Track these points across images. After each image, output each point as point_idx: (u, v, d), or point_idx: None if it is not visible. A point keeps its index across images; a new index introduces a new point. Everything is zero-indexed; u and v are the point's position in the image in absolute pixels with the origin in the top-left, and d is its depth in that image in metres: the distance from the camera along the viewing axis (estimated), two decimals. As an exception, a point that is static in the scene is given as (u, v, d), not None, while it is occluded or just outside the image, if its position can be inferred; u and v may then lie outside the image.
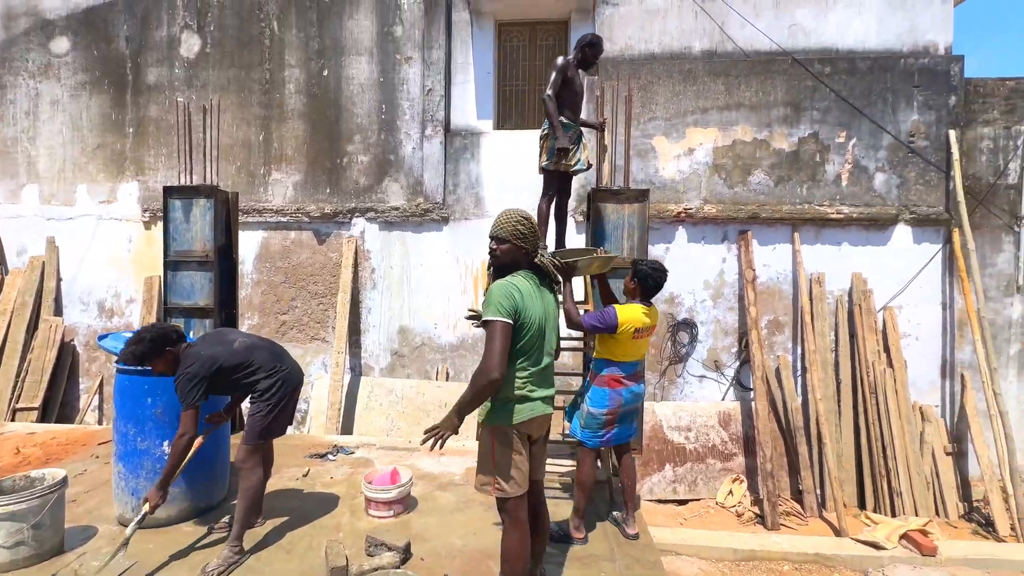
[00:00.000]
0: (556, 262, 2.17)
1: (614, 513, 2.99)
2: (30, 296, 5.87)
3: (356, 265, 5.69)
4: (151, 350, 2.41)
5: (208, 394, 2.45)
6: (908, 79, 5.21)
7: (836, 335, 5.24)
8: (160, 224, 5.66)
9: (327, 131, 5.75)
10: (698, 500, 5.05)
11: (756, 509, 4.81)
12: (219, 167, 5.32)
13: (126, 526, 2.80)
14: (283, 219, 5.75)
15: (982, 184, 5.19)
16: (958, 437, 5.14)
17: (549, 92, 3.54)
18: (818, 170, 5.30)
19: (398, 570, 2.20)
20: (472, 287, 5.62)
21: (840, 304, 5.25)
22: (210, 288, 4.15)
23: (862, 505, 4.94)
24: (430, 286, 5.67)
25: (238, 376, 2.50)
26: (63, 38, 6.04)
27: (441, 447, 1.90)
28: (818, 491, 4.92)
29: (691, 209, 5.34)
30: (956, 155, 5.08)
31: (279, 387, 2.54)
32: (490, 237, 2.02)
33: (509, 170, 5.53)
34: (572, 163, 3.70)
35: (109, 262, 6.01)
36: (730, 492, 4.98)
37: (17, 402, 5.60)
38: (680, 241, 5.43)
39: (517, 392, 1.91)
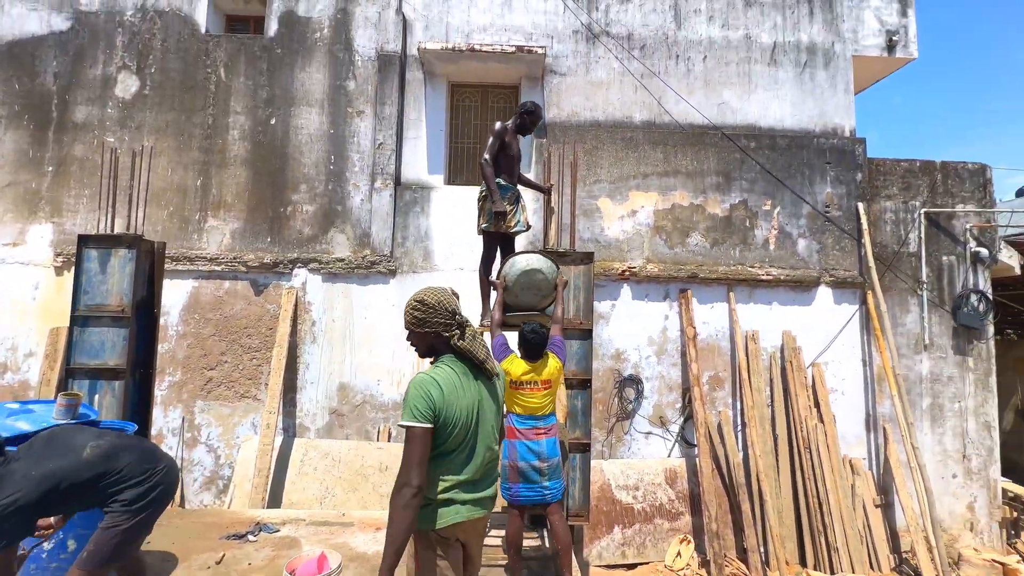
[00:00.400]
0: (480, 345, 1.84)
1: None
2: (-97, 349, 5.11)
3: (295, 318, 5.41)
4: None
5: (30, 527, 1.92)
6: (821, 156, 5.81)
7: (771, 390, 5.47)
8: (72, 271, 5.18)
9: (271, 179, 5.59)
10: (647, 563, 4.94)
11: (704, 572, 4.75)
12: (149, 212, 5.00)
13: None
14: (217, 268, 5.42)
15: (888, 252, 5.75)
16: (885, 488, 5.39)
17: (487, 156, 3.65)
18: (748, 234, 5.70)
19: None
20: (419, 341, 5.46)
21: (774, 360, 5.52)
22: (124, 346, 3.76)
23: (803, 562, 5.01)
24: (375, 340, 5.45)
25: (94, 490, 2.01)
26: (-20, 70, 5.62)
27: None
28: (762, 549, 4.95)
29: (635, 267, 5.54)
30: (865, 225, 5.62)
31: (151, 495, 2.10)
32: None
33: (459, 225, 5.55)
34: (511, 224, 3.77)
35: (10, 310, 5.37)
36: (678, 554, 4.91)
37: None
38: (625, 298, 5.58)
39: (440, 496, 1.72)
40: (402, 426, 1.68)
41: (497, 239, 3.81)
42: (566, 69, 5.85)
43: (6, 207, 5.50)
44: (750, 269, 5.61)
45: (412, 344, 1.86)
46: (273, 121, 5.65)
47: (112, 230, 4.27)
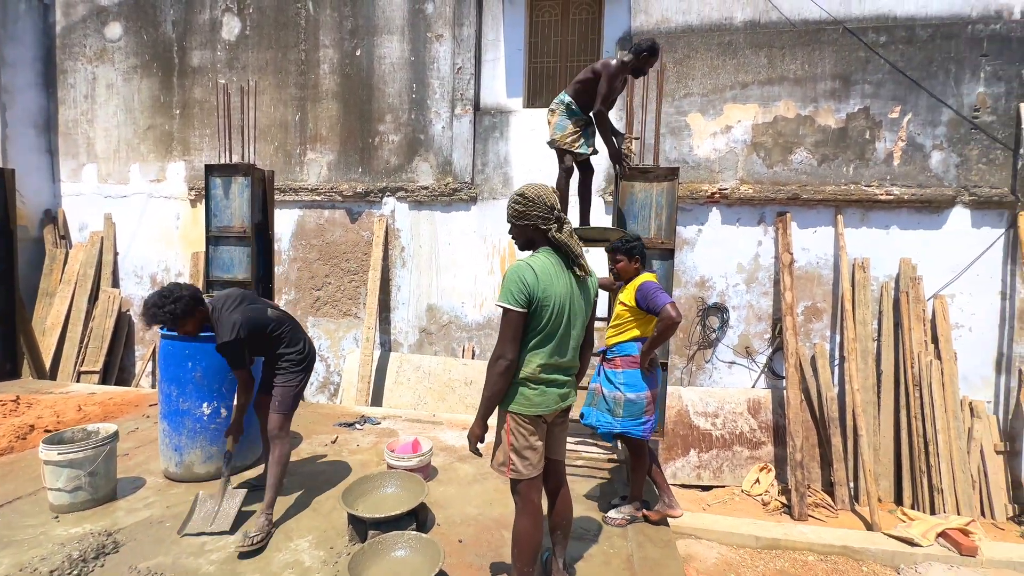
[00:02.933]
0: (575, 242, 1.90)
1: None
2: (91, 269, 6.33)
3: (387, 244, 5.81)
4: (188, 308, 2.39)
5: (249, 355, 2.52)
6: (975, 47, 4.78)
7: (879, 324, 4.97)
8: (204, 203, 5.95)
9: (359, 111, 5.84)
10: (723, 487, 4.98)
11: (784, 499, 4.69)
12: (257, 147, 5.51)
13: (171, 479, 3.04)
14: (317, 198, 5.92)
15: (1056, 163, 4.73)
16: (1012, 435, 4.81)
17: (602, 107, 3.46)
18: (867, 148, 4.98)
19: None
20: (499, 267, 5.64)
21: (885, 291, 4.97)
22: (247, 263, 4.35)
23: (899, 501, 4.74)
24: (458, 265, 5.73)
25: (269, 342, 2.56)
26: (116, 24, 6.35)
27: (479, 454, 1.92)
28: (851, 484, 4.75)
29: (726, 189, 5.14)
30: (1027, 131, 4.64)
31: (307, 359, 2.65)
32: None
33: (538, 149, 5.46)
34: (576, 147, 3.63)
35: (159, 238, 6.38)
36: (757, 480, 4.88)
37: (81, 365, 6.10)
38: (713, 223, 5.25)
39: (532, 379, 1.84)
40: (499, 305, 1.80)
41: (571, 155, 3.71)
42: (657, -33, 5.25)
43: (149, 148, 6.37)
44: (865, 189, 4.95)
45: (513, 237, 1.94)
46: (359, 52, 5.81)
47: (231, 162, 4.79)
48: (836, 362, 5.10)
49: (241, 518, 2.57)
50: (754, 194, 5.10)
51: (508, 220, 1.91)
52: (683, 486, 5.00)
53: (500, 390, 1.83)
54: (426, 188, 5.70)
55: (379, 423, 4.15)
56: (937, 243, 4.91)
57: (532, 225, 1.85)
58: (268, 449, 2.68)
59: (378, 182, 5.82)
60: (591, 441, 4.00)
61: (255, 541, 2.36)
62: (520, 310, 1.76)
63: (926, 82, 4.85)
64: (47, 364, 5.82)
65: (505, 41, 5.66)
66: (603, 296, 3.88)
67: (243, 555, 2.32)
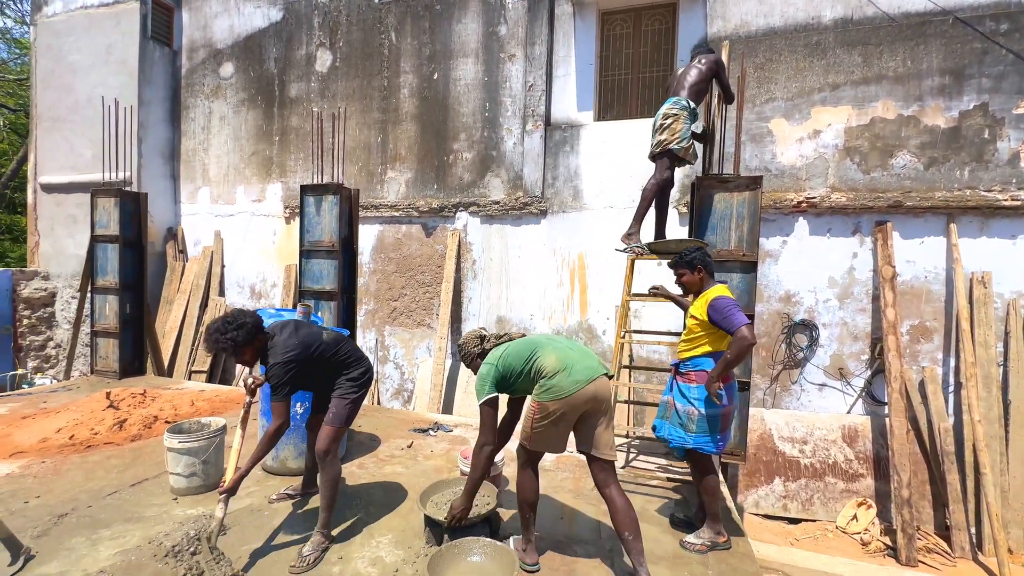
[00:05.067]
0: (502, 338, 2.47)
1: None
2: (202, 279, 7.13)
3: (459, 257, 6.02)
4: (249, 336, 2.36)
5: (300, 383, 2.46)
6: None
7: (1006, 347, 4.36)
8: (296, 220, 6.51)
9: (435, 131, 6.15)
10: (813, 521, 4.56)
11: (887, 540, 4.21)
12: (344, 168, 5.97)
13: (268, 472, 3.31)
14: (396, 214, 6.28)
15: None
16: None
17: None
18: (986, 149, 4.44)
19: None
20: (568, 279, 5.64)
21: (1013, 309, 4.36)
22: (335, 275, 4.69)
23: (1036, 554, 4.07)
24: (527, 278, 5.80)
25: (330, 364, 2.52)
26: (229, 63, 7.20)
27: (461, 524, 2.38)
28: (972, 530, 4.16)
29: (814, 198, 4.80)
30: None
31: (364, 377, 2.61)
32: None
33: (609, 161, 5.45)
34: (691, 153, 3.63)
35: (258, 252, 7.06)
36: (854, 517, 4.42)
37: (192, 365, 6.85)
38: (800, 233, 4.91)
39: (549, 374, 2.20)
40: (480, 406, 2.26)
41: (676, 164, 3.67)
42: (735, -29, 5.09)
43: (252, 171, 7.10)
44: (985, 194, 4.41)
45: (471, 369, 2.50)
46: (435, 76, 6.14)
47: (322, 182, 5.22)
48: (950, 389, 4.53)
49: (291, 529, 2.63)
50: (847, 202, 4.71)
51: (467, 366, 2.51)
52: (767, 516, 4.64)
53: (484, 472, 2.33)
54: (497, 202, 5.85)
55: (451, 430, 4.26)
56: (1080, 255, 4.24)
57: (472, 356, 2.46)
58: (312, 466, 2.77)
59: (452, 198, 6.06)
60: (663, 459, 3.85)
61: (309, 561, 2.32)
62: (492, 396, 2.24)
63: (1061, 72, 4.25)
64: (165, 363, 6.61)
65: (576, 56, 5.72)
66: (674, 309, 3.73)
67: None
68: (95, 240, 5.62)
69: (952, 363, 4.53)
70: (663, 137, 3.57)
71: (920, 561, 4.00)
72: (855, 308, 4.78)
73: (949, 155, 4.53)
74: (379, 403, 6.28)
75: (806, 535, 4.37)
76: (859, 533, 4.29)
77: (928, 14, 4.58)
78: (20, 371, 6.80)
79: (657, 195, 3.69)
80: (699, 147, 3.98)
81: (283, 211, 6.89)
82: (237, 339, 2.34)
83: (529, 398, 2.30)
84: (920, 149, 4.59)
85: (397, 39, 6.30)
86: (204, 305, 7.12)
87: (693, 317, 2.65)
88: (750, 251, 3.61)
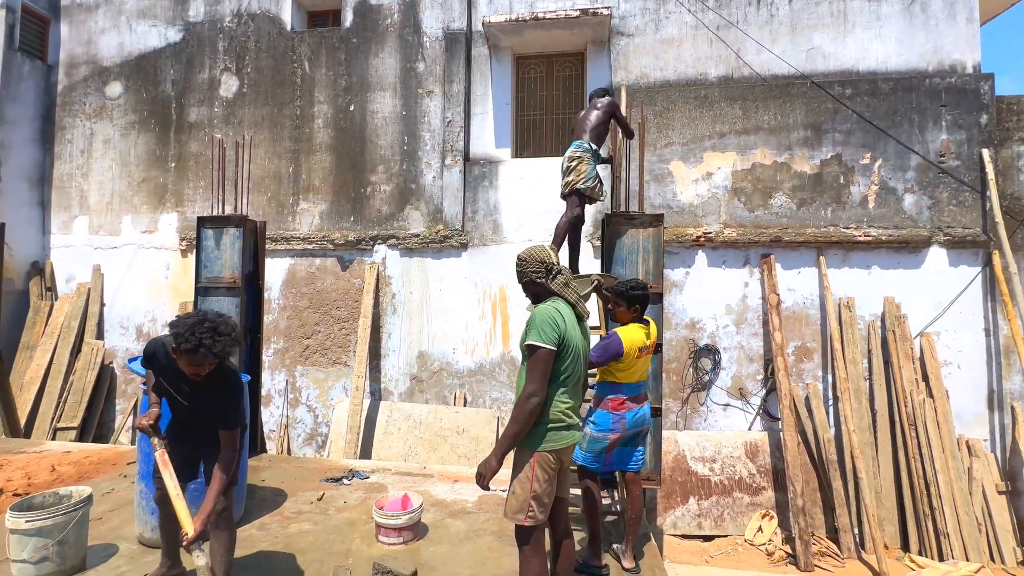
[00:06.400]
0: (576, 291, 2.09)
1: (614, 545, 2.88)
2: (75, 320, 6.23)
3: (377, 291, 5.82)
4: (238, 342, 2.09)
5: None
6: (934, 98, 5.09)
7: (869, 363, 5.00)
8: (194, 253, 5.96)
9: (352, 162, 6.00)
10: (725, 536, 4.81)
11: (788, 548, 4.54)
12: (250, 198, 5.60)
13: (145, 545, 2.87)
14: (309, 247, 5.97)
15: (1021, 205, 4.95)
16: (1012, 474, 4.76)
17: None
18: (843, 192, 5.18)
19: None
20: (490, 312, 5.65)
21: (872, 330, 5.03)
22: (237, 313, 4.31)
23: (905, 547, 4.60)
24: (449, 311, 5.73)
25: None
26: (117, 83, 6.57)
27: (488, 489, 1.97)
28: (855, 530, 4.62)
29: (710, 233, 5.28)
30: (991, 175, 4.88)
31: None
32: None
33: (527, 197, 5.62)
34: (599, 193, 3.83)
35: (148, 288, 6.34)
36: (759, 529, 4.73)
37: (58, 421, 5.88)
38: (700, 265, 5.35)
39: (561, 418, 1.96)
40: (530, 345, 1.89)
41: (585, 202, 3.84)
42: (633, 29, 5.62)
43: (142, 200, 6.44)
44: (844, 230, 5.11)
45: (526, 296, 2.14)
46: (352, 108, 6.04)
47: (223, 214, 4.84)
48: (830, 402, 5.08)
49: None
50: (738, 237, 5.24)
51: (518, 282, 2.13)
52: (684, 536, 4.82)
53: (526, 428, 1.90)
54: (417, 235, 5.78)
55: (367, 477, 4.00)
56: (918, 282, 5.03)
57: (530, 280, 2.05)
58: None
59: (369, 230, 5.89)
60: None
61: None
62: (551, 348, 1.87)
63: (892, 130, 5.12)
64: (22, 421, 5.61)
65: (493, 96, 5.92)
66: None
67: None
68: (-70, 278, 4.73)
69: (830, 379, 5.10)
70: (570, 179, 3.78)
71: (816, 565, 4.35)
72: (749, 332, 5.25)
73: (815, 197, 5.22)
74: (288, 452, 5.77)
75: (719, 551, 4.59)
76: (764, 544, 4.59)
77: (791, 77, 5.34)
78: None
79: (569, 232, 3.85)
80: (607, 183, 4.23)
81: (179, 243, 6.28)
82: (233, 343, 2.03)
83: (519, 456, 1.97)
84: (792, 191, 5.25)
85: (311, 68, 6.14)
86: (77, 350, 6.20)
87: None
88: (656, 282, 3.85)
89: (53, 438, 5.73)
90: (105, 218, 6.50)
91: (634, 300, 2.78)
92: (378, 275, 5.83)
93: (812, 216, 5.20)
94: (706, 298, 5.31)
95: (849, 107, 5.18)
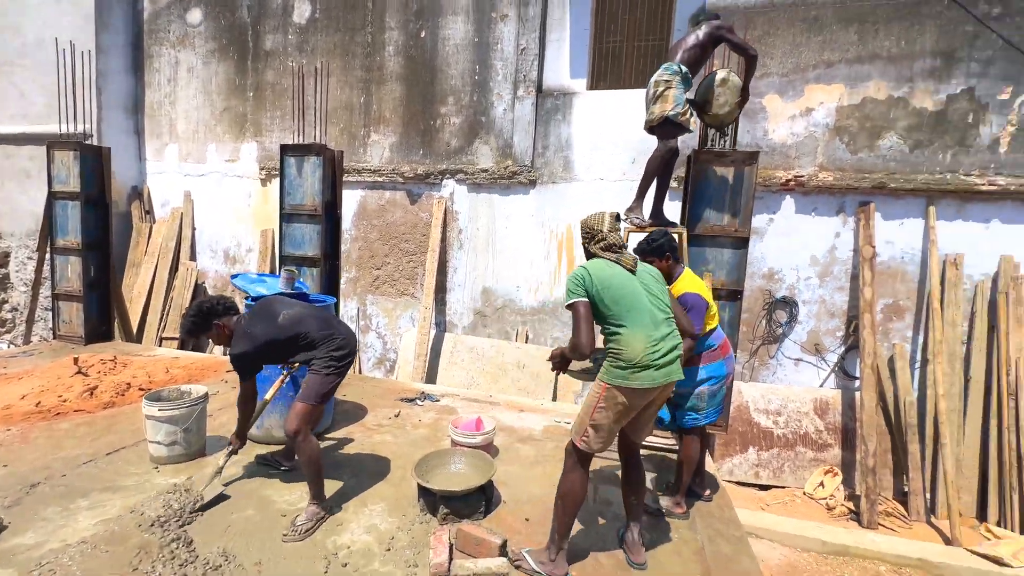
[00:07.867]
0: (611, 251, 2.18)
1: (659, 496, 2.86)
2: (171, 242, 6.78)
3: (445, 226, 5.88)
4: (198, 324, 2.46)
5: (259, 367, 2.52)
6: (1111, 19, 4.21)
7: (971, 326, 4.58)
8: (273, 182, 6.22)
9: (422, 93, 5.89)
10: (783, 488, 4.79)
11: (851, 505, 4.47)
12: (326, 128, 5.68)
13: (251, 440, 3.23)
14: (379, 179, 6.05)
15: None
16: (1122, 456, 4.33)
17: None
18: (969, 133, 4.53)
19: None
20: (556, 252, 5.60)
21: (980, 291, 4.55)
22: (318, 240, 4.52)
23: (982, 518, 4.40)
24: (514, 249, 5.73)
25: (291, 347, 2.46)
26: (197, 9, 6.66)
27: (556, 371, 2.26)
28: (927, 495, 4.45)
29: (802, 176, 4.84)
30: None
31: (336, 354, 2.45)
32: None
33: (600, 132, 5.34)
34: (692, 121, 3.42)
35: (232, 215, 6.74)
36: (821, 484, 4.66)
37: (163, 331, 6.59)
38: (786, 212, 4.96)
39: (632, 357, 1.96)
40: (567, 306, 2.08)
41: (679, 132, 3.44)
42: (737, -63, 4.93)
43: (224, 129, 6.70)
44: (964, 178, 4.52)
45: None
46: (423, 34, 5.83)
47: (302, 142, 4.96)
48: (916, 365, 4.75)
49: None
50: (834, 182, 4.77)
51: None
52: (740, 483, 4.85)
53: (583, 355, 2.05)
54: (485, 171, 5.70)
55: (438, 400, 4.25)
56: (1046, 240, 4.43)
57: (584, 244, 2.26)
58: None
59: (438, 164, 5.87)
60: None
61: (301, 531, 2.28)
62: (578, 299, 2.03)
63: (1046, 59, 4.33)
64: (135, 329, 6.33)
65: (571, 20, 5.51)
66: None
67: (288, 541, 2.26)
68: (53, 197, 5.24)
69: (920, 340, 4.74)
70: (658, 107, 3.43)
71: (880, 524, 4.27)
72: (834, 286, 4.91)
73: (934, 138, 4.60)
74: (360, 372, 6.20)
75: (776, 500, 4.59)
76: (825, 499, 4.54)
77: (925, -7, 4.56)
78: (-26, 335, 6.42)
79: (661, 168, 3.59)
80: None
81: (259, 172, 6.56)
82: (185, 326, 2.50)
83: (594, 385, 2.05)
84: (907, 131, 4.65)
85: (382, -9, 5.93)
86: (174, 269, 6.80)
87: None
88: (743, 227, 3.63)
89: (160, 345, 6.45)
90: (192, 146, 6.85)
91: (662, 250, 2.67)
92: (446, 210, 5.87)
93: (927, 161, 4.62)
94: (789, 248, 4.96)
95: (994, 30, 4.40)
